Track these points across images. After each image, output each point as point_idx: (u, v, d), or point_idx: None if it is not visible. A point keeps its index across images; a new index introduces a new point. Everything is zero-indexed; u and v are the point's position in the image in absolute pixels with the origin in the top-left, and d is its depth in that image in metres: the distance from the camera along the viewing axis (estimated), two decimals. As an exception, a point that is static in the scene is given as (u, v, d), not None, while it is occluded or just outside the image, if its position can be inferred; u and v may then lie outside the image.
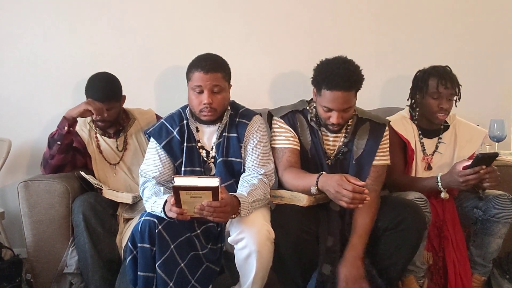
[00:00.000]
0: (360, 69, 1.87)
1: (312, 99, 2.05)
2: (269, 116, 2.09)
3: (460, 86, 2.12)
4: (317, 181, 1.78)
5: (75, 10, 2.59)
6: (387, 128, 2.04)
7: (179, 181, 1.61)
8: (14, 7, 2.56)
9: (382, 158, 2.00)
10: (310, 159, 2.00)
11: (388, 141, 2.04)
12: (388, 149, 2.03)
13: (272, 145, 2.02)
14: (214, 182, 1.60)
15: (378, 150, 1.99)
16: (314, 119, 2.01)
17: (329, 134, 2.01)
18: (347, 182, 1.68)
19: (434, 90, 2.10)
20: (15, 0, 2.56)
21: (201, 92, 1.87)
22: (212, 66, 1.87)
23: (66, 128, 2.07)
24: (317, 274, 1.79)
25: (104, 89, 2.15)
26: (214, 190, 1.60)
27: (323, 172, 1.82)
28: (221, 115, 1.96)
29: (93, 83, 2.17)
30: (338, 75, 1.81)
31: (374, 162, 1.98)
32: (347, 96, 1.83)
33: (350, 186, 1.67)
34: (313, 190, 1.79)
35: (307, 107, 2.04)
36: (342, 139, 2.01)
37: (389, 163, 2.03)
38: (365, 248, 1.82)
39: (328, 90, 1.83)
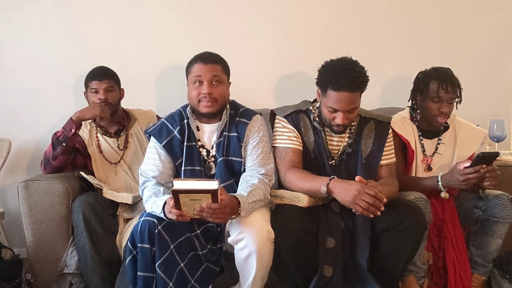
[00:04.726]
0: (365, 70, 1.87)
1: (315, 99, 2.04)
2: (272, 115, 2.09)
3: (461, 90, 2.11)
4: (328, 183, 1.79)
5: (75, 10, 2.60)
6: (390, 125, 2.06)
7: (178, 184, 1.60)
8: (14, 7, 2.56)
9: (389, 156, 2.03)
10: (312, 160, 2.00)
11: (392, 139, 2.06)
12: (393, 147, 2.05)
13: (274, 144, 2.02)
14: (213, 185, 1.60)
15: (385, 149, 2.00)
16: (317, 120, 2.01)
17: (333, 134, 2.00)
18: (369, 187, 1.71)
19: (434, 94, 2.09)
20: (15, 0, 2.56)
21: (200, 83, 1.88)
22: (211, 58, 1.92)
23: (73, 130, 2.09)
24: (317, 276, 1.78)
25: (103, 68, 2.28)
26: (213, 192, 1.59)
27: (334, 177, 1.82)
28: (220, 111, 1.96)
29: (91, 70, 2.28)
30: (345, 75, 1.80)
31: (384, 162, 2.00)
32: (353, 97, 1.84)
33: (372, 191, 1.69)
34: (323, 189, 1.79)
35: (310, 107, 2.04)
36: (347, 140, 2.00)
37: (395, 160, 2.05)
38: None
39: (334, 90, 1.83)
